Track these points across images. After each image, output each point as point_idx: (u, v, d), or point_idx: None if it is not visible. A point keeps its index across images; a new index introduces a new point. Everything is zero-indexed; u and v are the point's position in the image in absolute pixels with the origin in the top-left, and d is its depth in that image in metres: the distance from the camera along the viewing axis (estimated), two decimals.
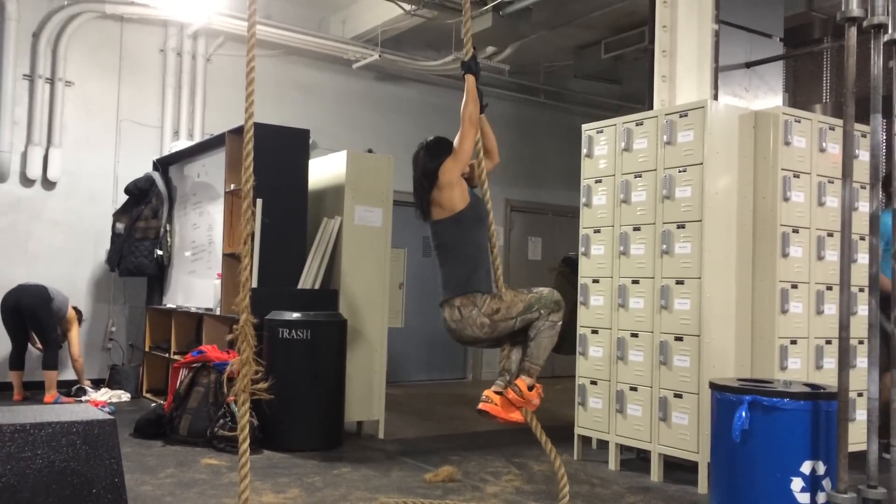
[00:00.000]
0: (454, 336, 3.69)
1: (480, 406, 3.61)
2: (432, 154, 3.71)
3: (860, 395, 4.63)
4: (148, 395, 7.34)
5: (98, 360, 7.78)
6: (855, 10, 3.48)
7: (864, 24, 3.50)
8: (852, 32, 3.50)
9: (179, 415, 5.50)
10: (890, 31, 3.54)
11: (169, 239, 7.54)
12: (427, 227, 3.80)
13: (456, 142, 3.68)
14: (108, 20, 7.84)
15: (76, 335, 7.19)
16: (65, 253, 7.63)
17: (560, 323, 3.66)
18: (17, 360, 6.96)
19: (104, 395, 7.08)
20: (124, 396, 7.20)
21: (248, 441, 2.80)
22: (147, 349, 7.55)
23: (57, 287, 7.09)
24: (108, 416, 2.83)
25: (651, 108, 5.29)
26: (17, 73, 7.39)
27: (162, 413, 5.64)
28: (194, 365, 5.69)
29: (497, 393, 3.61)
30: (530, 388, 3.58)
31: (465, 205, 3.66)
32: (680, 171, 4.76)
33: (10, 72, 7.30)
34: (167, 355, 7.12)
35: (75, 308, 7.29)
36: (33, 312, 6.83)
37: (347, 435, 5.75)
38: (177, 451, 5.21)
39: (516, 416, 3.61)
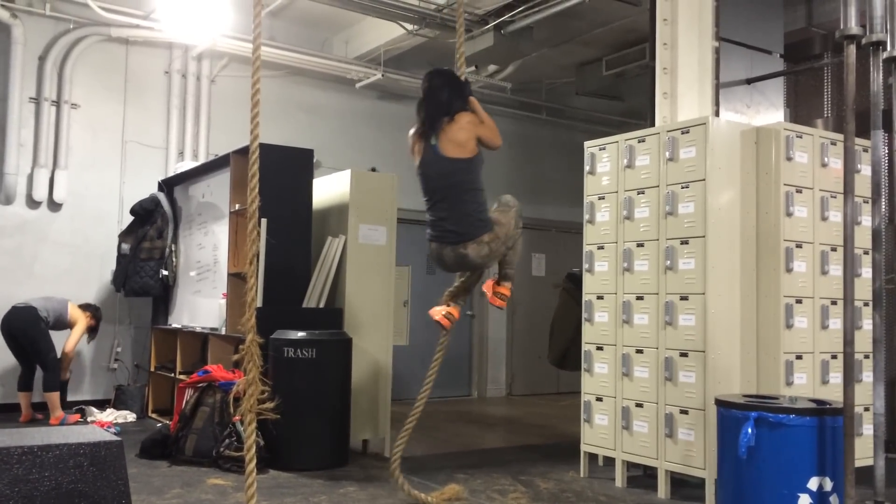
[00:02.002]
0: (471, 266, 4.27)
1: (499, 304, 4.60)
2: (458, 88, 4.12)
3: (866, 409, 4.62)
4: (153, 416, 7.34)
5: (103, 381, 7.78)
6: (854, 27, 3.51)
7: (863, 41, 3.53)
8: (851, 50, 3.53)
9: (185, 435, 5.50)
10: (889, 48, 3.57)
11: (174, 259, 7.56)
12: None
13: (492, 131, 4.16)
14: (113, 43, 7.91)
15: (78, 331, 7.02)
16: (70, 274, 7.65)
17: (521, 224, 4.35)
18: (25, 381, 6.94)
19: (110, 415, 7.07)
20: (130, 417, 7.18)
21: (254, 461, 2.81)
22: (152, 369, 7.56)
23: (55, 296, 7.03)
24: (115, 438, 2.83)
25: (653, 124, 5.31)
26: (24, 96, 7.45)
27: (167, 433, 5.64)
28: (200, 385, 5.69)
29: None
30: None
31: (478, 150, 4.13)
32: (682, 188, 4.78)
33: (17, 94, 7.36)
34: (172, 375, 7.13)
35: (86, 306, 7.18)
36: (24, 335, 6.76)
37: (353, 453, 5.74)
38: (183, 471, 5.21)
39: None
